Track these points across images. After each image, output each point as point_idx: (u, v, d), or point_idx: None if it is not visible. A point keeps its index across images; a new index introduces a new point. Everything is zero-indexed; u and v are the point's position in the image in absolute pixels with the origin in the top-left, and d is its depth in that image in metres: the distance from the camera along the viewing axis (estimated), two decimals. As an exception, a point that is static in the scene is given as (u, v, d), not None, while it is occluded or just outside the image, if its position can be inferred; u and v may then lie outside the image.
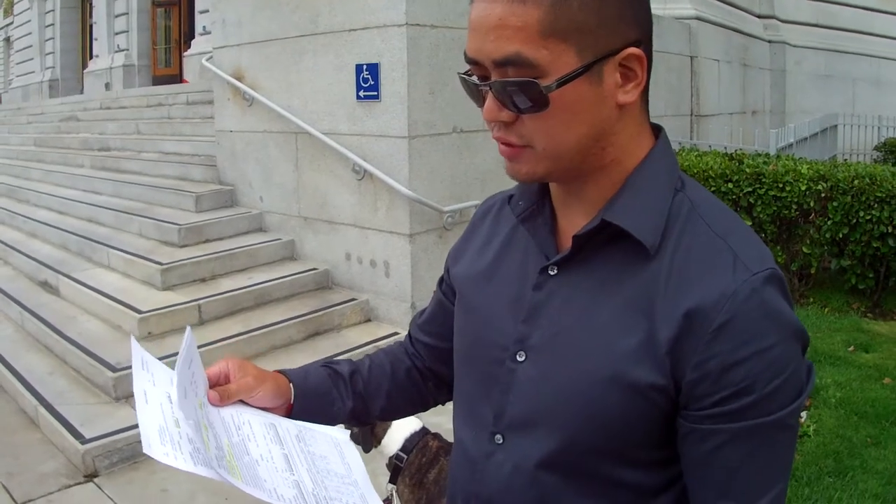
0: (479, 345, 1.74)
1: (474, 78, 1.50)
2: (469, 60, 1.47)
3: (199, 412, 1.64)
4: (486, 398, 1.68)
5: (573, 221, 1.59)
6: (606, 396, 1.47)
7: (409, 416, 2.23)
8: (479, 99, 1.50)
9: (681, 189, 1.55)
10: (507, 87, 1.41)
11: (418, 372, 2.10)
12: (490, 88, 1.44)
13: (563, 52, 1.37)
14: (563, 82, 1.38)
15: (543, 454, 1.56)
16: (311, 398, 1.91)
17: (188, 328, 1.73)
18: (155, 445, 1.53)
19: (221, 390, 1.76)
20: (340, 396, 1.97)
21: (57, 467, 6.06)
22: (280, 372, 1.92)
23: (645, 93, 1.53)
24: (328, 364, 2.03)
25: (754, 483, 1.44)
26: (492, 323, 1.70)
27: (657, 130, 1.63)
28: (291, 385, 1.89)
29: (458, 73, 1.55)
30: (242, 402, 1.79)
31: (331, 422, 1.95)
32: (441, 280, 2.04)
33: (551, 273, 1.60)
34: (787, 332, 1.40)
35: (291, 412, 1.87)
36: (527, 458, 1.59)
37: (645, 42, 1.46)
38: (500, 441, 1.65)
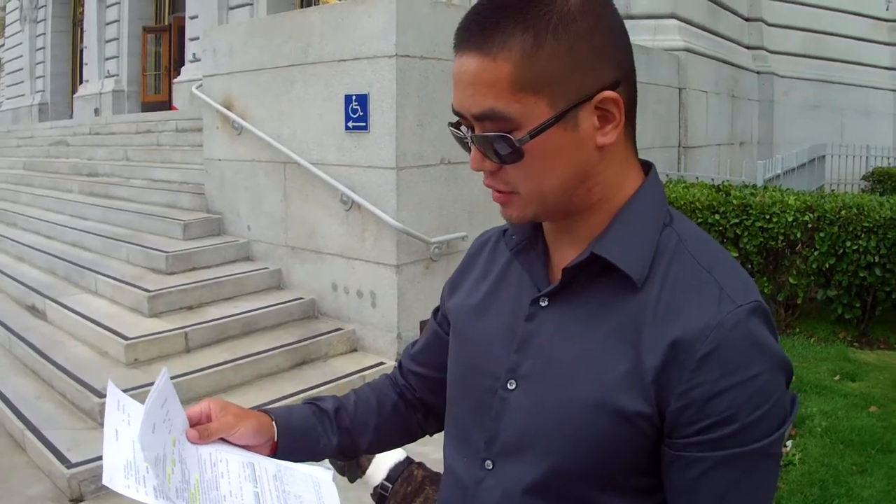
0: (472, 374, 1.76)
1: (462, 129, 1.55)
2: (455, 113, 1.53)
3: (172, 448, 1.65)
4: (479, 426, 1.71)
5: (565, 255, 1.62)
6: (594, 424, 1.50)
7: (397, 447, 2.24)
8: (467, 148, 1.55)
9: (669, 223, 1.59)
10: (485, 140, 1.47)
11: (406, 404, 2.11)
12: (472, 141, 1.51)
13: (534, 103, 1.43)
14: (535, 134, 1.43)
15: (531, 479, 1.58)
16: (296, 436, 1.92)
17: (164, 369, 1.73)
18: (117, 478, 1.53)
19: (202, 429, 1.76)
20: (325, 433, 1.98)
21: (43, 491, 6.05)
22: (264, 411, 1.92)
23: (630, 129, 1.56)
24: (313, 401, 2.03)
25: None
26: (485, 353, 1.73)
27: (647, 167, 1.66)
28: (274, 423, 1.89)
29: (448, 124, 1.61)
30: (225, 441, 1.80)
31: (317, 458, 1.97)
32: (436, 310, 2.06)
33: (542, 304, 1.63)
34: (771, 363, 1.43)
35: (276, 450, 1.88)
36: (516, 484, 1.61)
37: (625, 80, 1.49)
38: (491, 467, 1.67)
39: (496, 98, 1.42)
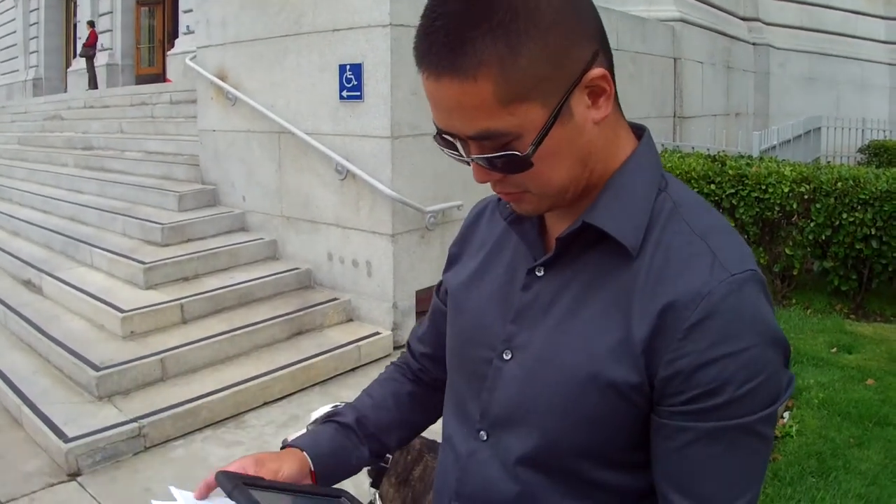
0: (469, 344, 1.75)
1: (456, 149, 1.47)
2: (442, 132, 1.47)
3: None
4: (475, 396, 1.70)
5: (560, 223, 1.60)
6: (586, 395, 1.48)
7: (429, 426, 2.24)
8: (463, 161, 1.50)
9: (664, 189, 1.55)
10: (490, 160, 1.42)
11: (425, 388, 2.12)
12: (474, 161, 1.45)
13: (527, 110, 1.36)
14: (539, 141, 1.38)
15: (524, 451, 1.58)
16: (329, 461, 1.93)
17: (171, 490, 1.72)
18: None
19: None
20: (356, 447, 2.00)
21: (40, 466, 6.05)
22: (292, 445, 1.93)
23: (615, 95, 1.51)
24: (332, 419, 2.04)
25: (715, 487, 1.44)
26: (481, 322, 1.71)
27: (640, 130, 1.62)
28: (308, 456, 1.89)
29: (435, 139, 1.53)
30: None
31: (354, 472, 2.02)
32: (438, 286, 2.04)
33: (538, 274, 1.61)
34: (763, 336, 1.40)
35: (315, 479, 1.89)
36: (509, 455, 1.60)
37: (601, 46, 1.44)
38: (485, 438, 1.66)
39: (487, 118, 1.36)
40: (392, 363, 2.22)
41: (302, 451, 1.89)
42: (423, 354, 2.12)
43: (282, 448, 1.95)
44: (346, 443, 1.98)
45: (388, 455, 3.49)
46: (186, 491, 1.73)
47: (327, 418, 2.04)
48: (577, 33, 1.38)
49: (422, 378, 2.12)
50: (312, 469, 1.88)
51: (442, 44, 1.34)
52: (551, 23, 1.34)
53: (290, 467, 1.81)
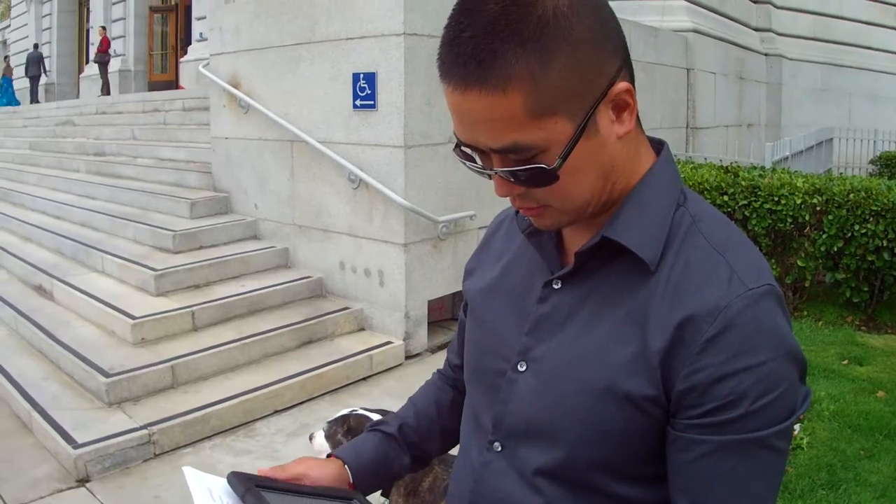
0: (484, 355, 1.75)
1: (476, 161, 1.45)
2: (464, 144, 1.45)
3: None
4: (489, 407, 1.70)
5: (578, 237, 1.60)
6: (602, 408, 1.47)
7: None
8: (484, 175, 1.49)
9: (683, 203, 1.55)
10: (516, 173, 1.40)
11: (464, 396, 2.08)
12: (496, 173, 1.44)
13: (555, 123, 1.35)
14: (566, 155, 1.37)
15: (541, 464, 1.57)
16: (368, 472, 1.97)
17: (185, 469, 1.71)
18: None
19: (278, 468, 1.84)
20: (398, 456, 2.04)
21: (50, 472, 6.05)
22: (336, 455, 1.98)
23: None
24: (377, 427, 2.08)
25: (728, 499, 1.43)
26: (497, 334, 1.72)
27: (659, 145, 1.62)
28: (347, 468, 1.94)
29: (455, 151, 1.51)
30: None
31: (397, 479, 2.12)
32: (464, 304, 2.03)
33: (555, 287, 1.61)
34: (779, 351, 1.39)
35: (353, 488, 1.93)
36: (526, 467, 1.60)
37: (624, 61, 1.44)
38: (500, 449, 1.66)
39: (517, 131, 1.35)
40: (437, 370, 2.25)
41: (344, 463, 1.93)
42: (456, 366, 2.13)
43: (327, 458, 1.99)
44: (389, 452, 2.02)
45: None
46: (208, 474, 1.73)
47: (374, 426, 2.08)
48: (604, 47, 1.38)
49: (459, 388, 2.10)
50: (351, 481, 1.92)
51: (470, 55, 1.32)
52: (581, 37, 1.33)
53: (319, 473, 1.86)
